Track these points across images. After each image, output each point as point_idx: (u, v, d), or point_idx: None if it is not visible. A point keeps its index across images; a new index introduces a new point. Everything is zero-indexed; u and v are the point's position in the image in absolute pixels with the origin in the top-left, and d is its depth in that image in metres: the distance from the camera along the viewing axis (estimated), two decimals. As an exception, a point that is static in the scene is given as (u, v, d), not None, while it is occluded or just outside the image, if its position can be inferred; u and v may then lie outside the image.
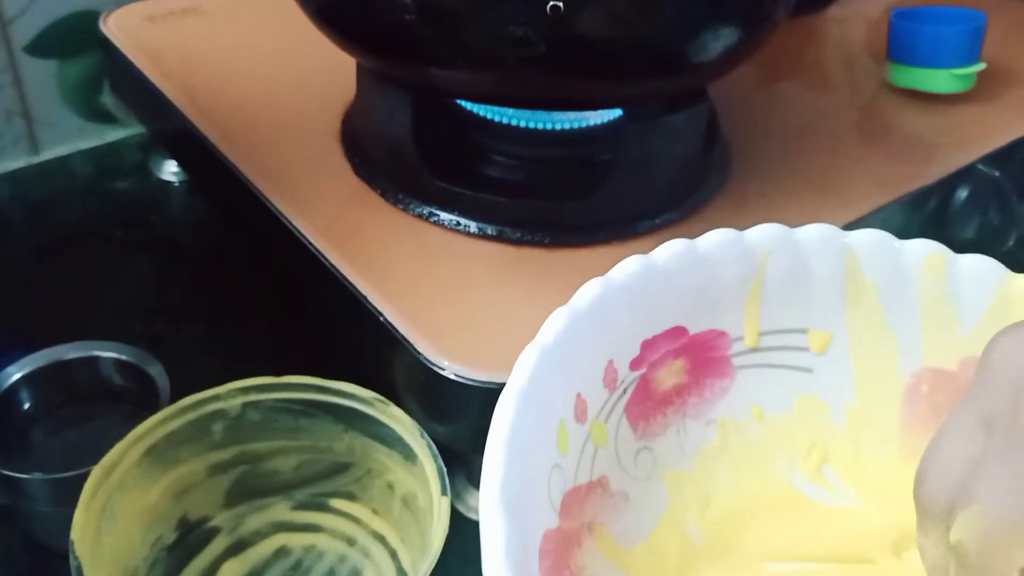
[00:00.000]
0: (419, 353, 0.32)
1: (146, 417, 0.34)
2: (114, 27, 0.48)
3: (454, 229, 0.37)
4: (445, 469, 0.32)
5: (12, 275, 0.47)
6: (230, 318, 0.44)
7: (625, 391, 0.29)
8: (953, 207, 0.43)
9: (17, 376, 0.36)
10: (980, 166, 0.43)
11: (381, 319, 0.33)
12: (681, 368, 0.30)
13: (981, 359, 0.24)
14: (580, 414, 0.27)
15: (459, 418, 0.33)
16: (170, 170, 0.52)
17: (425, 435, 0.33)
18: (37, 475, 0.32)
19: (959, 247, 0.30)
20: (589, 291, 0.27)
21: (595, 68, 0.33)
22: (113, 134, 0.54)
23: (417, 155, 0.37)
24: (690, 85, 0.36)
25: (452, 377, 0.31)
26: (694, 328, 0.30)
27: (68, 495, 0.31)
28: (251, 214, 0.40)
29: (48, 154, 0.53)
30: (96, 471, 0.32)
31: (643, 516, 0.29)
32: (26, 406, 0.36)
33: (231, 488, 0.36)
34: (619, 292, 0.28)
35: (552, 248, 0.37)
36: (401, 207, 0.38)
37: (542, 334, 0.27)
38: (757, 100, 0.47)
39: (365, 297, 0.34)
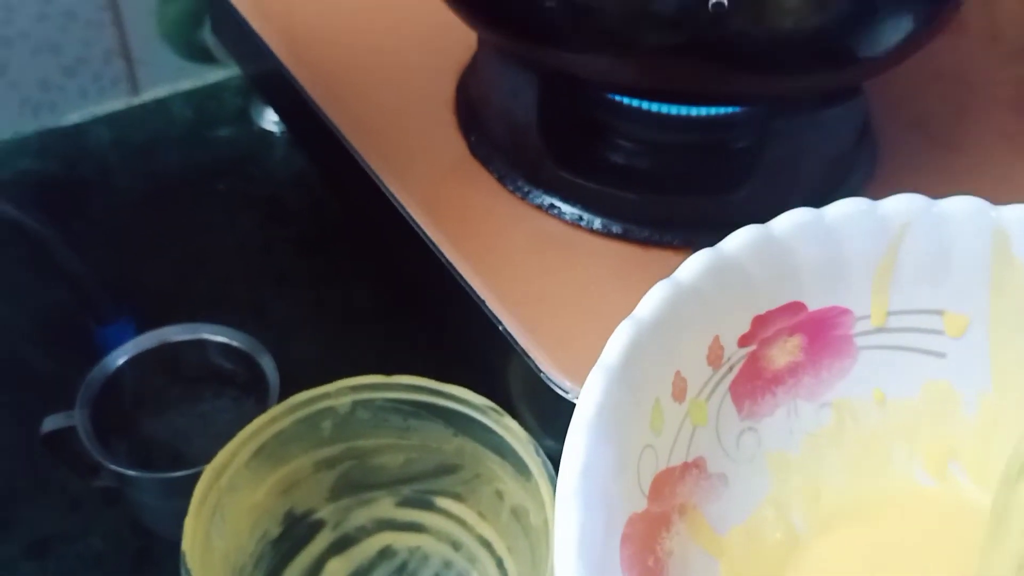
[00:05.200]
0: (540, 371, 0.31)
1: (253, 403, 0.33)
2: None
3: (576, 224, 0.35)
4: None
5: (113, 227, 0.46)
6: (334, 286, 0.43)
7: (731, 369, 0.28)
8: None
9: (124, 359, 0.35)
10: None
11: (500, 328, 0.31)
12: (797, 346, 0.29)
13: None
14: (679, 393, 0.27)
15: (579, 440, 0.31)
16: (271, 119, 0.51)
17: (540, 452, 0.32)
18: (146, 475, 0.32)
19: None
20: (696, 263, 0.27)
21: (749, 64, 0.29)
22: (213, 75, 0.53)
23: (541, 140, 0.35)
24: (854, 81, 0.33)
25: (576, 402, 0.29)
26: (814, 304, 0.28)
27: (176, 491, 0.30)
28: (354, 185, 0.39)
29: (148, 95, 0.51)
30: (206, 474, 0.31)
31: (742, 500, 0.28)
32: (132, 389, 0.35)
33: (337, 482, 0.35)
34: (730, 265, 0.27)
35: (683, 250, 0.34)
36: (519, 195, 0.36)
37: (640, 308, 0.26)
38: (906, 79, 0.43)
39: (483, 301, 0.33)
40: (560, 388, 0.31)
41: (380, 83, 0.41)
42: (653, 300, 0.26)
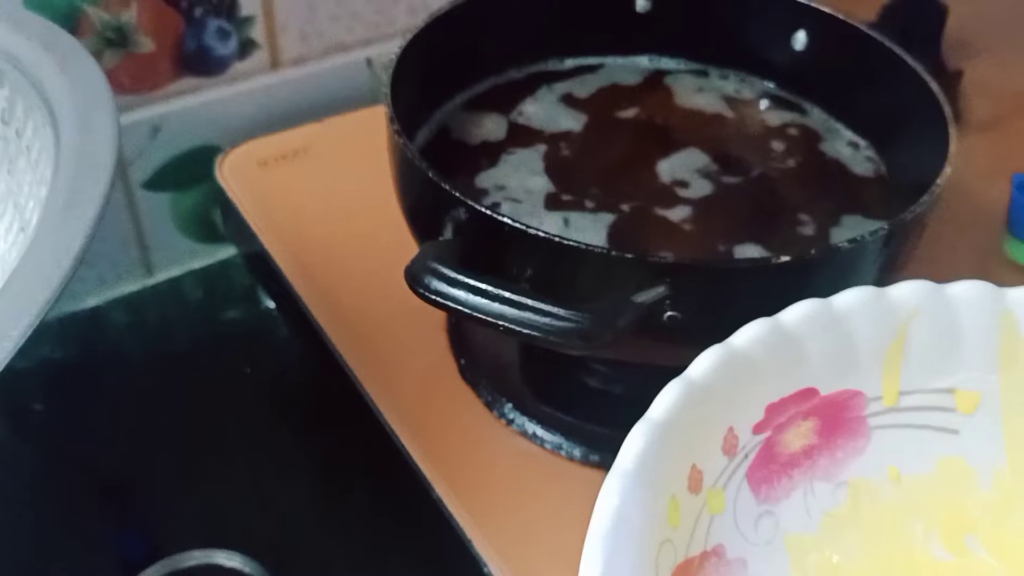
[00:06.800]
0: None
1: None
2: (227, 174, 0.50)
3: (556, 452, 0.38)
4: None
5: (125, 412, 0.48)
6: (336, 480, 0.45)
7: (747, 456, 0.29)
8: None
9: (142, 588, 0.37)
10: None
11: (485, 570, 0.34)
12: (811, 429, 0.30)
13: None
14: (695, 485, 0.27)
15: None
16: (276, 298, 0.53)
17: None
18: None
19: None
20: (707, 359, 0.27)
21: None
22: (223, 252, 0.55)
23: (522, 381, 0.37)
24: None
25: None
26: (826, 389, 0.29)
27: None
28: (345, 397, 0.41)
29: (161, 275, 0.54)
30: None
31: (761, 583, 0.29)
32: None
33: None
34: (741, 359, 0.27)
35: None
36: (504, 421, 0.39)
37: (653, 409, 0.27)
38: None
39: (470, 541, 0.35)
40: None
41: (375, 297, 0.44)
42: (666, 400, 0.26)
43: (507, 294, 0.28)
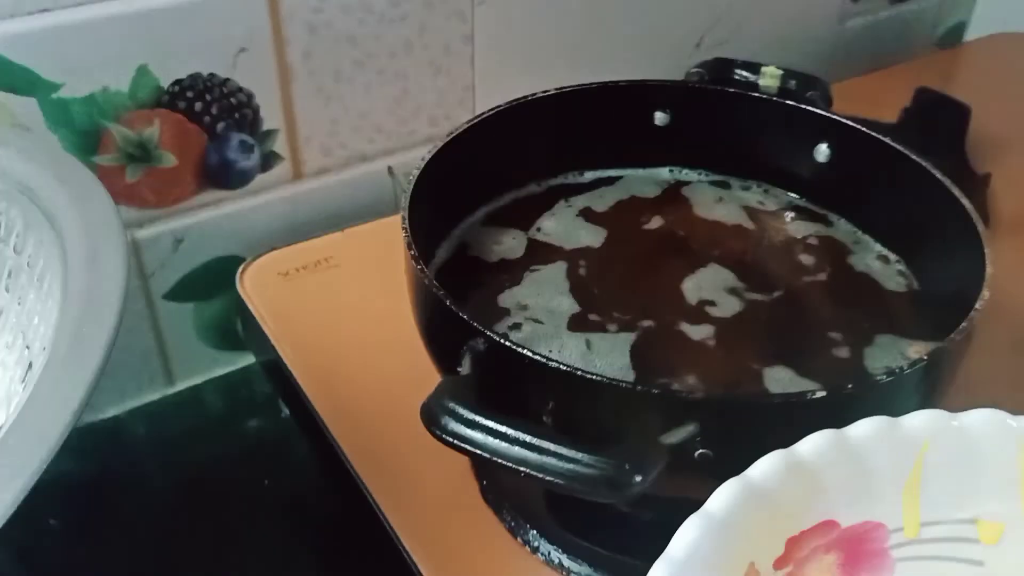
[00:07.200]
0: None
1: None
2: (248, 285, 0.49)
3: (586, 585, 0.36)
4: None
5: (142, 532, 0.47)
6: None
7: None
8: None
9: None
10: None
11: None
12: (833, 563, 0.29)
13: None
14: None
15: None
16: (297, 407, 0.52)
17: None
18: None
19: None
20: (724, 494, 0.27)
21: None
22: (244, 360, 0.54)
23: (545, 507, 0.35)
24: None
25: None
26: (846, 521, 0.29)
27: None
28: (360, 517, 0.39)
29: (182, 384, 0.53)
30: None
31: None
32: None
33: None
34: (758, 492, 0.27)
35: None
36: (529, 549, 0.37)
37: (673, 547, 0.26)
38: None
39: None
40: None
41: (394, 412, 0.43)
42: (685, 537, 0.26)
43: (528, 437, 0.27)
